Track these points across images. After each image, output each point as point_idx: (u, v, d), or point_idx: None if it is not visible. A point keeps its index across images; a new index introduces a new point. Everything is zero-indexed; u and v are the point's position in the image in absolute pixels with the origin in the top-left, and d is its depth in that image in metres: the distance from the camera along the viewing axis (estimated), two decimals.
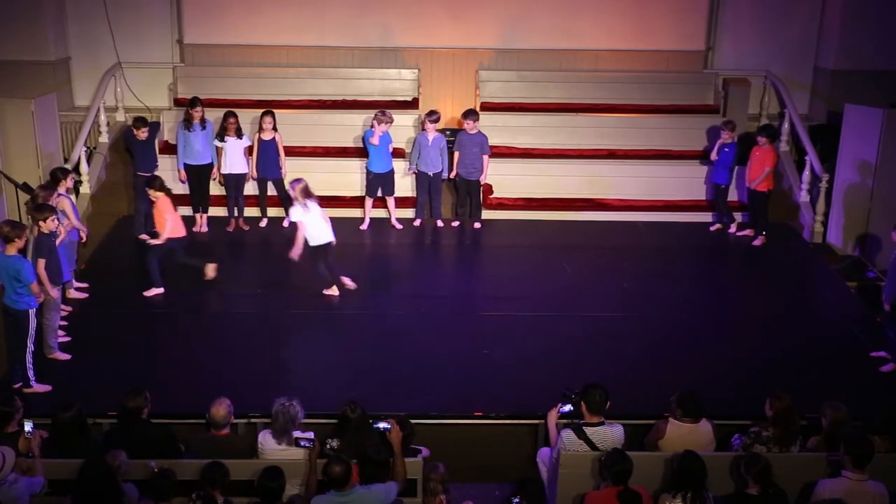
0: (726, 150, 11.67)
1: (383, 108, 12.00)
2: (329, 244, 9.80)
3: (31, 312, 7.98)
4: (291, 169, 12.02)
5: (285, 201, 11.78)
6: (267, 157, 11.52)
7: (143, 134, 11.09)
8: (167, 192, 9.79)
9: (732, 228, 11.82)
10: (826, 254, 11.56)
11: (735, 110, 13.28)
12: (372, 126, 11.68)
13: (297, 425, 6.73)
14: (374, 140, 11.53)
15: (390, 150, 11.75)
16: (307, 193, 9.62)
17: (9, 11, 12.75)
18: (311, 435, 6.67)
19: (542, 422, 7.58)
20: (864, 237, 11.47)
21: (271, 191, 11.89)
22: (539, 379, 8.33)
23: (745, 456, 6.36)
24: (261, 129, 11.51)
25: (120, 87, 13.31)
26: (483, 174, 11.77)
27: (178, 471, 6.23)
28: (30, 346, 8.05)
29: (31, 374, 8.05)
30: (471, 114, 11.72)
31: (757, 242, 11.45)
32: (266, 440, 6.78)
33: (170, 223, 9.68)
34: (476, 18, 13.59)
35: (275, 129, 11.53)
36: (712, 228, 11.93)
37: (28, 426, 6.40)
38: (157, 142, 11.71)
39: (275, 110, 12.08)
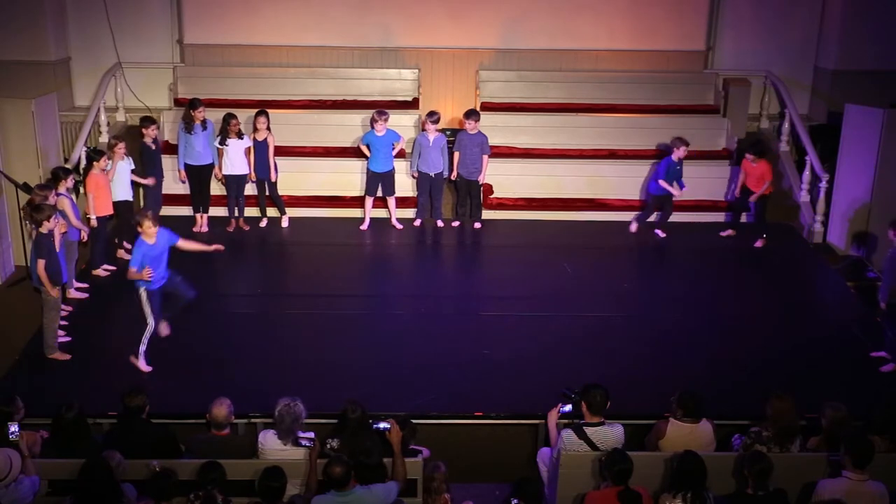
0: (678, 168, 11.50)
1: (383, 108, 12.00)
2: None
3: (142, 291, 8.19)
4: (292, 169, 12.06)
5: (278, 202, 11.79)
6: (259, 157, 11.52)
7: (152, 132, 11.09)
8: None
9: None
10: (826, 254, 11.57)
11: (735, 110, 13.30)
12: (372, 126, 11.69)
13: (300, 425, 6.73)
14: (366, 151, 11.72)
15: (396, 149, 11.76)
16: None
17: (9, 11, 12.74)
18: (311, 435, 6.68)
19: (542, 422, 7.58)
20: (864, 237, 11.46)
21: None
22: (539, 379, 8.33)
23: (749, 454, 6.37)
24: (255, 130, 11.50)
25: (120, 87, 13.31)
26: (482, 174, 11.77)
27: (178, 471, 6.22)
28: (151, 324, 8.32)
29: (143, 348, 8.36)
30: (472, 114, 11.72)
31: (758, 244, 11.44)
32: (266, 440, 6.78)
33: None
34: (476, 18, 13.59)
35: (268, 129, 11.53)
36: (633, 229, 11.78)
37: (13, 428, 6.36)
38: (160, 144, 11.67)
39: (275, 110, 12.12)
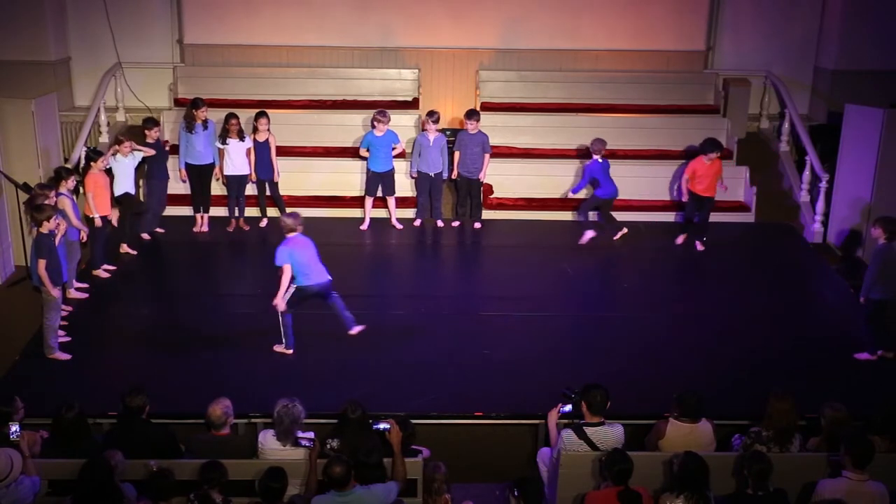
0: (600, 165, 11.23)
1: (383, 108, 12.01)
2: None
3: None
4: (293, 169, 12.06)
5: (279, 202, 11.79)
6: (261, 158, 11.52)
7: (154, 133, 11.08)
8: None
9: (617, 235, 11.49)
10: (826, 254, 11.57)
11: (735, 110, 13.30)
12: (372, 126, 11.68)
13: (299, 425, 6.73)
14: (364, 153, 11.73)
15: (395, 151, 11.75)
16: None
17: (9, 11, 12.76)
18: (311, 435, 6.68)
19: (542, 422, 7.58)
20: (864, 237, 11.46)
21: None
22: (539, 379, 8.32)
23: (749, 454, 6.37)
24: (256, 131, 11.49)
25: (120, 87, 13.34)
26: (482, 172, 11.78)
27: (177, 471, 6.23)
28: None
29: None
30: (473, 114, 11.71)
31: (700, 247, 11.32)
32: (266, 440, 6.78)
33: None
34: (476, 18, 13.60)
35: (268, 129, 11.52)
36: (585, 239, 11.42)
37: (14, 428, 6.37)
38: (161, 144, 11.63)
39: (275, 110, 12.14)
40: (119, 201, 10.46)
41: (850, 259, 11.40)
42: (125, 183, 10.59)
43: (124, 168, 10.56)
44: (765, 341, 9.21)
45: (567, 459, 6.61)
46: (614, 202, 11.56)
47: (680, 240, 11.45)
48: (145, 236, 11.27)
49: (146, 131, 11.08)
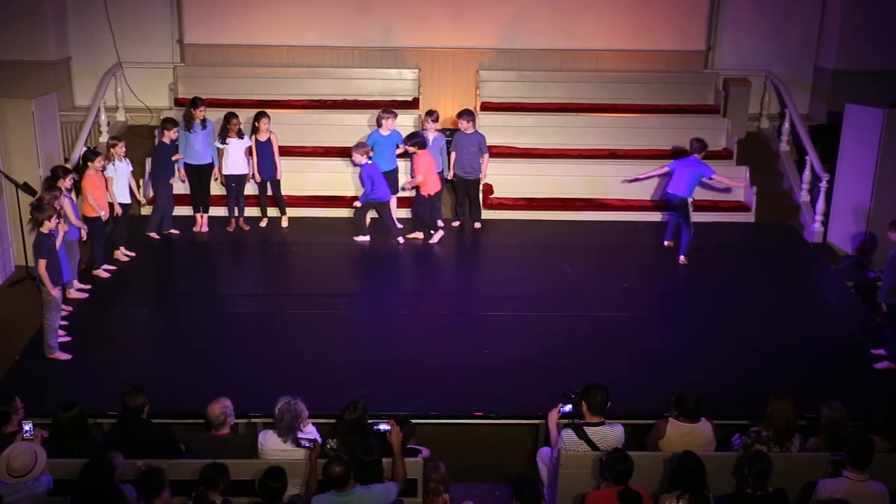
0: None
1: (384, 107, 11.97)
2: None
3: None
4: (293, 169, 12.06)
5: (280, 202, 11.79)
6: (264, 158, 11.51)
7: (173, 134, 11.08)
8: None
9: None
10: (826, 254, 11.57)
11: (735, 110, 13.31)
12: (378, 125, 11.65)
13: (302, 423, 6.73)
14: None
15: (398, 150, 11.74)
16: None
17: (9, 11, 12.77)
18: (312, 436, 6.67)
19: (542, 422, 7.58)
20: (863, 237, 11.46)
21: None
22: (539, 379, 8.33)
23: (749, 454, 6.37)
24: (257, 131, 11.47)
25: (120, 87, 13.34)
26: (483, 173, 11.77)
27: (177, 471, 6.23)
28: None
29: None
30: (466, 113, 11.65)
31: (434, 240, 11.40)
32: (266, 440, 6.78)
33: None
34: (476, 18, 13.61)
35: (269, 129, 11.52)
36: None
37: (27, 426, 6.38)
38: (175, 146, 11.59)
39: (275, 110, 12.13)
40: (115, 209, 10.42)
41: (853, 259, 11.38)
42: (122, 190, 10.47)
43: (120, 172, 10.46)
44: (765, 341, 9.21)
45: (567, 459, 6.61)
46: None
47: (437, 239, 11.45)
48: (154, 235, 11.23)
49: (165, 131, 11.06)
